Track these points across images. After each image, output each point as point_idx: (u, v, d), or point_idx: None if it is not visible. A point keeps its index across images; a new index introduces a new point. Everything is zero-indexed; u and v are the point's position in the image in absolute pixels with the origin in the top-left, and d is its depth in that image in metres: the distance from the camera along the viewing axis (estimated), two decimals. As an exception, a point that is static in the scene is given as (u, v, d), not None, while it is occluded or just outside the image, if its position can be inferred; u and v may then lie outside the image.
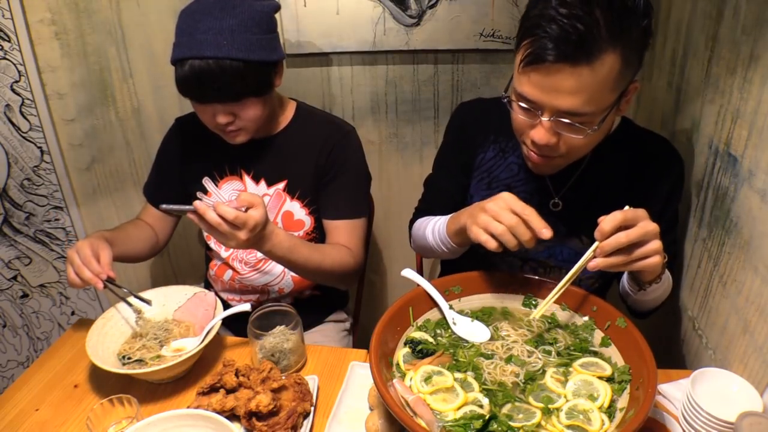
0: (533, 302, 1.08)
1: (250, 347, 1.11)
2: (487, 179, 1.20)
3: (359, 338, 1.64)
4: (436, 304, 1.05)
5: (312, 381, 1.04)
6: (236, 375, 0.99)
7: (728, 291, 1.04)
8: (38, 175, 1.58)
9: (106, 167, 1.72)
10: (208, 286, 1.53)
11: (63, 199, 1.63)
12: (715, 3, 1.11)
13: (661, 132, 1.39)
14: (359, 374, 1.07)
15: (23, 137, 1.53)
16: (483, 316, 1.06)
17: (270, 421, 0.92)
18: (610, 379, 0.90)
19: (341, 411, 0.99)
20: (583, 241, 1.14)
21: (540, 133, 0.94)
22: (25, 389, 1.09)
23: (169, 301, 1.21)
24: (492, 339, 1.00)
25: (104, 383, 1.08)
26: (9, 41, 1.43)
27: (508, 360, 0.95)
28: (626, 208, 0.88)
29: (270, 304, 1.14)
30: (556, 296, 0.99)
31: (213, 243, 1.43)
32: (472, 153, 1.22)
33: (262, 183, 1.36)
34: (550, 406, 0.86)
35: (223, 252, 1.42)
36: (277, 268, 1.41)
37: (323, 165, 1.34)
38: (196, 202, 1.05)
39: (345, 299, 1.63)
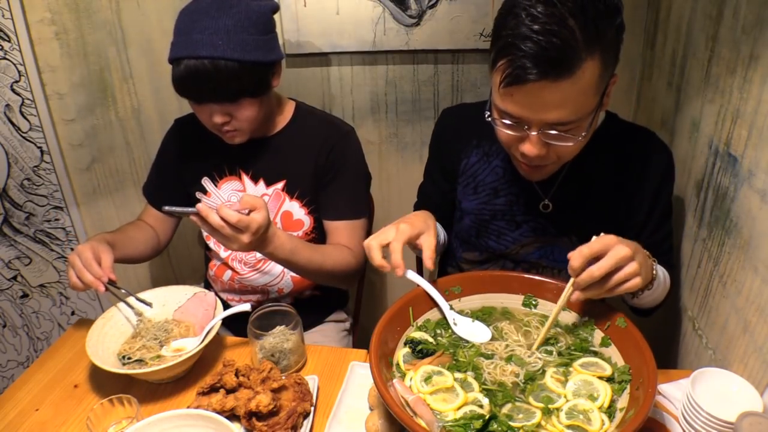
0: (533, 302, 1.08)
1: (250, 347, 1.11)
2: (472, 184, 1.20)
3: (359, 338, 1.64)
4: (436, 305, 1.05)
5: (312, 381, 1.04)
6: (236, 375, 0.99)
7: (728, 291, 1.04)
8: (38, 175, 1.58)
9: (106, 167, 1.72)
10: (208, 286, 1.53)
11: (63, 199, 1.63)
12: (715, 3, 1.11)
13: (661, 132, 1.39)
14: (359, 374, 1.07)
15: (23, 137, 1.53)
16: (483, 316, 1.06)
17: (270, 421, 0.92)
18: (610, 379, 0.90)
19: (341, 411, 0.99)
20: (572, 241, 1.14)
21: (530, 148, 0.93)
22: (25, 389, 1.09)
23: (169, 301, 1.21)
24: (493, 339, 1.00)
25: (104, 383, 1.08)
26: (9, 41, 1.43)
27: (508, 360, 0.95)
28: (593, 238, 0.87)
29: (270, 304, 1.14)
30: (548, 329, 0.98)
31: (212, 243, 1.43)
32: (456, 159, 1.22)
33: (261, 183, 1.36)
34: (550, 406, 0.86)
35: (223, 252, 1.42)
36: (277, 269, 1.41)
37: (323, 165, 1.34)
38: (199, 205, 1.05)
39: (345, 299, 1.63)
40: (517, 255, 1.19)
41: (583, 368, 0.92)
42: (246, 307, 1.17)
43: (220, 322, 1.12)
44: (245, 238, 1.06)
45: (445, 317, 1.04)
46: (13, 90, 1.48)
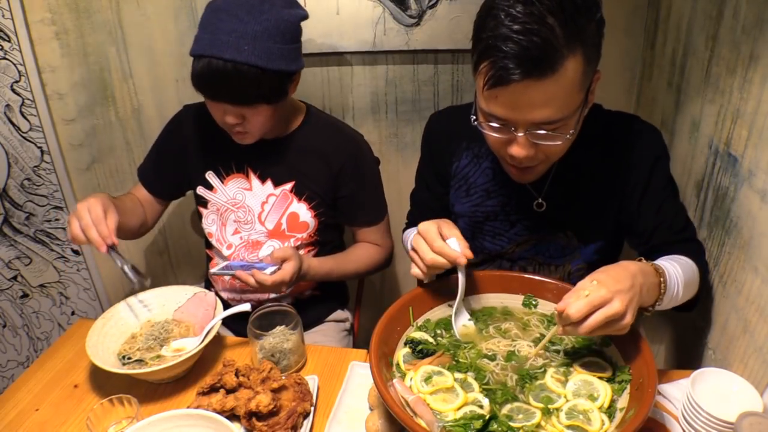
0: (533, 302, 1.08)
1: (250, 347, 1.11)
2: (464, 186, 1.20)
3: (359, 338, 1.64)
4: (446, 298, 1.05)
5: (312, 381, 1.04)
6: (236, 375, 0.99)
7: (728, 291, 1.04)
8: (38, 175, 1.58)
9: (106, 167, 1.71)
10: (209, 285, 1.53)
11: (63, 199, 1.63)
12: (715, 3, 1.11)
13: (661, 132, 1.39)
14: (359, 374, 1.07)
15: (23, 137, 1.53)
16: (483, 316, 1.06)
17: (270, 421, 0.93)
18: (610, 379, 0.90)
19: (341, 411, 0.99)
20: (567, 235, 1.14)
21: (518, 149, 0.93)
22: (25, 389, 1.09)
23: (169, 301, 1.22)
24: (492, 336, 1.01)
25: (104, 383, 1.09)
26: (9, 41, 1.43)
27: (509, 358, 0.95)
28: (586, 292, 0.82)
29: (270, 304, 1.14)
30: (540, 349, 0.97)
31: (214, 241, 1.43)
32: (447, 162, 1.21)
33: (269, 183, 1.36)
34: (550, 406, 0.86)
35: (225, 250, 1.42)
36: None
37: (339, 176, 1.36)
38: (238, 272, 1.21)
39: (345, 299, 1.63)
40: (513, 254, 1.19)
41: (583, 368, 0.92)
42: (246, 307, 1.17)
43: (220, 322, 1.12)
44: (284, 287, 1.23)
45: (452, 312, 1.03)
46: (13, 90, 1.48)
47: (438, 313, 1.06)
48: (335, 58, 1.72)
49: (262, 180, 1.36)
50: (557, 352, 0.97)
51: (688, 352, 1.21)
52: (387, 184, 1.88)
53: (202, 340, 1.07)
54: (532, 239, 1.17)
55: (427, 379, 0.89)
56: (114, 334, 1.14)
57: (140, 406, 0.94)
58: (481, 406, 0.85)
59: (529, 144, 0.93)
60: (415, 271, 1.00)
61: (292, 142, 1.35)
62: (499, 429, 0.82)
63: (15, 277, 1.64)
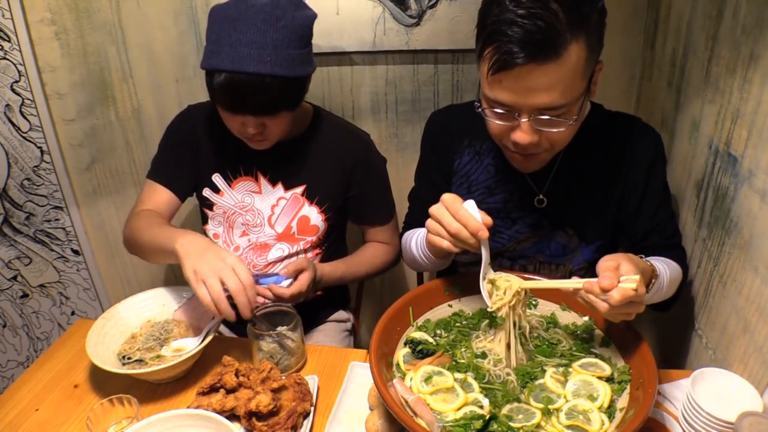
0: (533, 302, 1.08)
1: (250, 347, 1.11)
2: (466, 184, 1.20)
3: (359, 338, 1.64)
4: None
5: (312, 381, 1.04)
6: (236, 375, 0.99)
7: (728, 291, 1.04)
8: (38, 175, 1.58)
9: (106, 167, 1.71)
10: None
11: (63, 199, 1.63)
12: (715, 3, 1.11)
13: (661, 132, 1.39)
14: (359, 374, 1.07)
15: (23, 137, 1.53)
16: (482, 317, 1.06)
17: (270, 421, 0.92)
18: (609, 379, 0.90)
19: (341, 411, 0.99)
20: (568, 233, 1.15)
21: (521, 135, 0.94)
22: (25, 389, 1.09)
23: (169, 301, 1.21)
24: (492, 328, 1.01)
25: (104, 383, 1.08)
26: (9, 41, 1.43)
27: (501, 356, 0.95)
28: (635, 286, 0.80)
29: (270, 304, 1.14)
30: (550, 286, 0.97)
31: (220, 242, 1.42)
32: (449, 160, 1.21)
33: (279, 186, 1.35)
34: (549, 406, 0.86)
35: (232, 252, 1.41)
36: (277, 268, 1.41)
37: (350, 177, 1.36)
38: (259, 298, 1.11)
39: (347, 299, 1.63)
40: (514, 251, 1.19)
41: (582, 368, 0.92)
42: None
43: (221, 322, 1.12)
44: (301, 297, 1.21)
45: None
46: (13, 90, 1.48)
47: (438, 313, 1.06)
48: (335, 58, 1.72)
49: (273, 183, 1.35)
50: (561, 355, 0.97)
51: (688, 352, 1.21)
52: (387, 184, 1.89)
53: (202, 340, 1.07)
54: (533, 237, 1.17)
55: (427, 380, 0.89)
56: (114, 334, 1.14)
57: (140, 406, 0.94)
58: (481, 407, 0.85)
59: (533, 130, 0.93)
60: (440, 241, 0.95)
61: (302, 145, 1.34)
62: (499, 429, 0.82)
63: (15, 277, 1.64)
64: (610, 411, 0.84)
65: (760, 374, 0.91)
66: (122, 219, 1.58)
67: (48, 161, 1.57)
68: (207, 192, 1.37)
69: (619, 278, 0.81)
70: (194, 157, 1.36)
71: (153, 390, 1.06)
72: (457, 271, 1.30)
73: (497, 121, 0.96)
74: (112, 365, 1.03)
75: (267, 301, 1.18)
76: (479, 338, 1.00)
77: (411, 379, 0.90)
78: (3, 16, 1.40)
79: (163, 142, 1.39)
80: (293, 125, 1.32)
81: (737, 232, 1.01)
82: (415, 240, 1.18)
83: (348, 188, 1.38)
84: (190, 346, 1.10)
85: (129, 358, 1.09)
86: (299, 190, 1.35)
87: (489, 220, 0.92)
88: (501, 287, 0.94)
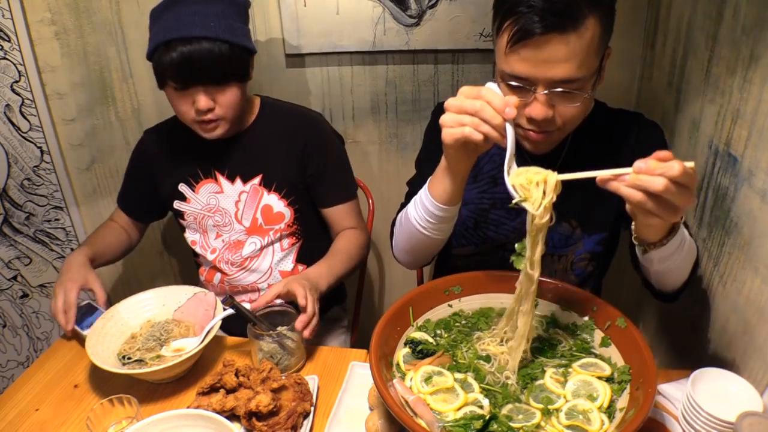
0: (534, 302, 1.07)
1: (250, 347, 1.11)
2: (472, 173, 1.17)
3: (359, 338, 1.64)
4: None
5: (312, 381, 1.04)
6: (236, 375, 0.99)
7: (728, 291, 1.04)
8: (38, 175, 1.58)
9: (106, 167, 1.72)
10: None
11: (63, 199, 1.63)
12: (715, 3, 1.11)
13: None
14: (359, 374, 1.07)
15: (23, 137, 1.53)
16: (482, 317, 1.06)
17: (270, 421, 0.92)
18: (609, 379, 0.90)
19: (341, 411, 0.99)
20: (572, 225, 1.15)
21: (537, 109, 0.95)
22: (25, 389, 1.09)
23: (169, 301, 1.21)
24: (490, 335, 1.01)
25: (104, 383, 1.09)
26: (9, 41, 1.43)
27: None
28: (692, 164, 0.75)
29: (271, 304, 1.14)
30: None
31: (198, 248, 1.44)
32: None
33: (238, 181, 1.37)
34: (549, 406, 0.86)
35: (210, 255, 1.42)
36: (264, 265, 1.42)
37: (302, 157, 1.36)
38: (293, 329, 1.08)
39: (342, 296, 1.63)
40: (516, 243, 1.17)
41: (582, 369, 0.92)
42: (246, 307, 1.17)
43: (220, 322, 1.12)
44: (315, 313, 1.11)
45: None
46: (13, 90, 1.48)
47: (438, 313, 1.06)
48: (335, 58, 1.72)
49: (231, 179, 1.37)
50: (561, 355, 0.97)
51: (688, 352, 1.21)
52: (387, 184, 1.89)
53: (202, 340, 1.07)
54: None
55: (427, 380, 0.89)
56: (114, 334, 1.14)
57: (140, 406, 0.94)
58: (481, 407, 0.85)
59: (548, 104, 0.95)
60: (459, 131, 0.86)
61: (252, 135, 1.36)
62: (499, 429, 0.82)
63: (15, 277, 1.64)
64: (610, 411, 0.84)
65: (760, 374, 0.92)
66: (122, 219, 1.57)
67: (48, 161, 1.57)
68: (177, 204, 1.40)
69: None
70: (152, 180, 1.41)
71: (153, 390, 1.06)
72: (456, 266, 1.29)
73: (513, 95, 0.94)
74: (112, 365, 1.04)
75: (276, 301, 1.15)
76: (481, 339, 1.00)
77: (411, 379, 0.89)
78: (3, 16, 1.41)
79: (126, 171, 1.47)
80: (242, 117, 1.34)
81: (737, 232, 1.01)
82: (413, 203, 1.10)
83: (305, 168, 1.37)
84: (190, 346, 1.10)
85: (129, 358, 1.09)
86: (257, 180, 1.36)
87: (513, 97, 0.85)
88: (532, 180, 0.85)
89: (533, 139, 1.03)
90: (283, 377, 1.01)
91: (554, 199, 0.85)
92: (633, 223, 0.90)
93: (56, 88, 1.54)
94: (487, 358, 0.96)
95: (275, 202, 1.37)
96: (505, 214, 1.18)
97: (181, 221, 1.43)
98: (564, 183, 1.12)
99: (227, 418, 0.86)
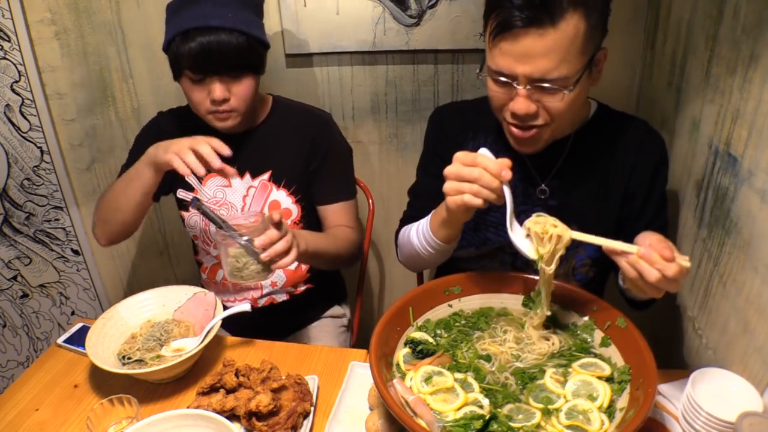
0: (534, 302, 1.08)
1: (220, 254, 1.09)
2: None
3: (359, 338, 1.64)
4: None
5: (312, 381, 1.04)
6: (236, 375, 1.00)
7: (728, 291, 1.04)
8: (38, 175, 1.58)
9: (106, 167, 1.71)
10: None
11: (63, 199, 1.63)
12: (715, 3, 1.11)
13: (661, 132, 1.39)
14: (359, 374, 1.07)
15: (23, 137, 1.53)
16: (482, 317, 1.06)
17: (270, 421, 0.93)
18: (609, 379, 0.90)
19: (341, 411, 0.99)
20: (571, 228, 1.13)
21: (519, 103, 0.96)
22: (25, 389, 1.09)
23: (169, 301, 1.22)
24: (491, 337, 1.01)
25: (104, 383, 1.09)
26: (9, 41, 1.43)
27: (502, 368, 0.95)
28: (689, 265, 0.85)
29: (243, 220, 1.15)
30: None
31: (200, 243, 1.43)
32: (453, 153, 1.20)
33: (247, 176, 1.37)
34: (549, 406, 0.86)
35: (213, 249, 1.42)
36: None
37: (308, 153, 1.38)
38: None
39: (343, 294, 1.63)
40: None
41: (582, 368, 0.92)
42: (246, 306, 1.17)
43: (220, 322, 1.12)
44: (283, 241, 1.08)
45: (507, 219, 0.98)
46: (13, 90, 1.48)
47: (438, 313, 1.06)
48: (335, 58, 1.72)
49: (241, 174, 1.37)
50: (560, 354, 0.97)
51: (688, 352, 1.21)
52: (387, 184, 1.89)
53: (202, 340, 1.07)
54: None
55: (427, 380, 0.89)
56: (114, 334, 1.14)
57: (140, 406, 0.94)
58: (481, 407, 0.85)
59: (530, 99, 0.96)
60: (460, 198, 0.93)
61: (263, 131, 1.38)
62: (499, 429, 0.82)
63: (15, 277, 1.64)
64: (610, 411, 0.84)
65: (760, 374, 0.91)
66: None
67: (48, 161, 1.57)
68: (181, 193, 1.39)
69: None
70: None
71: (153, 390, 1.06)
72: (458, 268, 1.29)
73: (497, 90, 0.99)
74: (112, 365, 1.04)
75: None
76: (482, 339, 1.00)
77: (411, 379, 0.90)
78: (3, 16, 1.41)
79: (133, 150, 1.39)
80: (254, 113, 1.35)
81: (737, 232, 1.01)
82: (416, 229, 1.16)
83: (309, 164, 1.39)
84: (190, 346, 1.10)
85: (129, 358, 1.10)
86: (266, 176, 1.37)
87: (507, 160, 0.93)
88: (548, 232, 0.93)
89: (517, 136, 1.04)
90: (283, 378, 1.01)
91: (563, 252, 0.94)
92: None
93: (56, 88, 1.54)
94: (487, 358, 0.96)
95: (283, 198, 1.38)
96: (503, 217, 1.17)
97: (183, 213, 1.42)
98: (565, 188, 1.13)
99: (227, 418, 0.86)
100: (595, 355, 0.96)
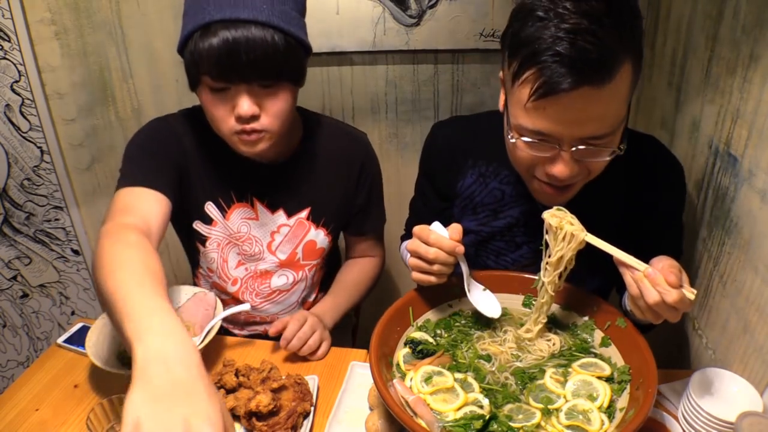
0: (534, 302, 1.07)
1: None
2: (470, 205, 1.14)
3: (359, 338, 1.64)
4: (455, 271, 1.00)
5: (312, 381, 1.04)
6: (236, 375, 1.00)
7: (728, 291, 1.04)
8: (38, 175, 1.58)
9: (106, 167, 1.72)
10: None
11: (63, 199, 1.63)
12: (715, 3, 1.11)
13: (662, 132, 1.39)
14: (359, 374, 1.07)
15: (23, 137, 1.53)
16: (482, 316, 1.06)
17: (270, 421, 0.92)
18: (609, 379, 0.90)
19: (341, 411, 0.99)
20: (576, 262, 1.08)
21: (560, 168, 0.84)
22: (25, 389, 1.09)
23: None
24: (491, 336, 1.01)
25: (104, 383, 1.08)
26: (9, 41, 1.43)
27: (502, 368, 0.95)
28: (693, 297, 0.79)
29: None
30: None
31: (216, 278, 1.26)
32: (452, 180, 1.14)
33: (281, 212, 1.19)
34: (549, 406, 0.86)
35: (230, 286, 1.26)
36: (292, 299, 1.30)
37: (355, 186, 1.24)
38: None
39: None
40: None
41: (582, 368, 0.92)
42: (246, 306, 1.17)
43: (220, 322, 1.12)
44: (314, 338, 1.11)
45: (462, 284, 1.01)
46: (13, 90, 1.48)
47: (438, 313, 1.06)
48: (335, 58, 1.72)
49: (272, 209, 1.18)
50: (560, 354, 0.97)
51: (688, 352, 1.21)
52: (387, 184, 1.87)
53: (202, 340, 1.07)
54: (538, 261, 1.11)
55: (427, 380, 0.89)
56: (114, 334, 1.14)
57: (140, 406, 0.94)
58: (481, 407, 0.85)
59: (573, 162, 0.84)
60: (427, 278, 0.96)
61: (299, 159, 1.16)
62: (499, 429, 0.82)
63: (15, 277, 1.64)
64: (610, 411, 0.84)
65: (760, 374, 0.92)
66: (122, 219, 1.57)
67: (48, 161, 1.57)
68: (198, 225, 1.17)
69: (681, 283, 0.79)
70: (183, 171, 1.09)
71: (153, 390, 1.06)
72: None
73: (530, 152, 0.85)
74: (112, 365, 1.03)
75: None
76: (483, 339, 1.00)
77: (411, 379, 0.89)
78: (3, 16, 1.41)
79: (136, 150, 1.07)
80: (289, 136, 1.13)
81: (737, 232, 1.01)
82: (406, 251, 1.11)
83: (355, 197, 1.24)
84: (190, 346, 1.10)
85: (129, 358, 1.09)
86: (303, 214, 1.19)
87: (458, 232, 0.93)
88: (563, 228, 0.87)
89: (549, 193, 0.93)
90: (284, 378, 1.01)
91: (574, 252, 0.90)
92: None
93: (56, 88, 1.54)
94: (488, 358, 0.96)
95: (321, 237, 1.23)
96: (504, 246, 1.15)
97: (200, 245, 1.21)
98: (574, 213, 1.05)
99: (227, 418, 0.86)
100: (595, 355, 0.96)
